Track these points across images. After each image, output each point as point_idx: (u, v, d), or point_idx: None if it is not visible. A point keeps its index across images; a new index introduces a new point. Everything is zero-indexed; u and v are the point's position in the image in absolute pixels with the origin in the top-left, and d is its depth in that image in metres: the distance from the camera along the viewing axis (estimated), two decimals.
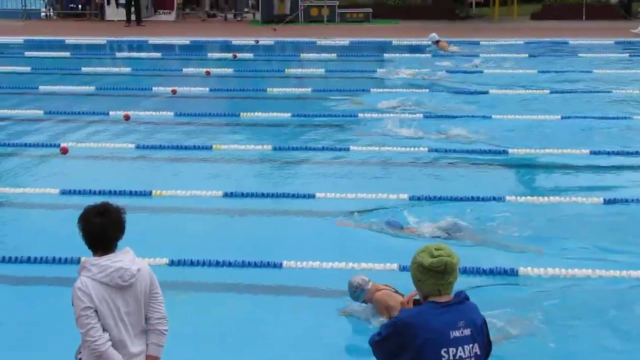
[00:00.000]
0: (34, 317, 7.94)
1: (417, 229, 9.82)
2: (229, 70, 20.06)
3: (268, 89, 17.94)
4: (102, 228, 5.07)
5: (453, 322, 4.55)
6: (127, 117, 14.89)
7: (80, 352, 5.18)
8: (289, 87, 18.26)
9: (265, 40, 24.16)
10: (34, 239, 9.89)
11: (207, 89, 18.09)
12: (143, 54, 23.33)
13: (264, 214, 10.67)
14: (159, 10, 29.38)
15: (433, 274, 4.54)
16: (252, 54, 22.28)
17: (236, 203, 11.01)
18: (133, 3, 27.68)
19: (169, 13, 29.25)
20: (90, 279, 5.01)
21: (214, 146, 13.44)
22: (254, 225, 10.41)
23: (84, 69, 20.52)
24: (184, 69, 20.35)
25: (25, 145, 13.82)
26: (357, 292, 7.64)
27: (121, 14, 28.30)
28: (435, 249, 4.61)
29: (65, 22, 28.83)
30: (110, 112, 15.78)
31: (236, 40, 24.19)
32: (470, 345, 4.57)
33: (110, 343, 5.02)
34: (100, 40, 24.98)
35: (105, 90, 18.09)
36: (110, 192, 11.11)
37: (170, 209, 10.85)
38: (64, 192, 11.25)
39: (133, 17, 27.73)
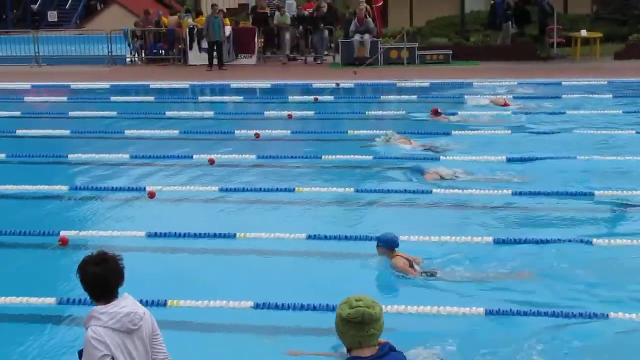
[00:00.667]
0: None
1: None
2: (310, 113, 20.22)
3: (349, 131, 18.01)
4: (104, 277, 5.17)
5: None
6: (211, 162, 15.12)
7: None
8: (369, 129, 18.31)
9: (346, 83, 24.32)
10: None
11: (289, 131, 18.24)
12: (225, 98, 23.72)
13: (347, 257, 10.65)
14: (240, 55, 29.84)
15: (352, 325, 4.46)
16: (332, 97, 22.42)
17: (319, 245, 11.02)
18: (215, 48, 28.19)
19: (250, 57, 29.68)
20: (103, 327, 5.10)
21: (296, 189, 13.52)
22: (337, 268, 10.40)
23: (168, 113, 20.93)
24: (265, 112, 20.58)
25: (112, 189, 14.12)
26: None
27: (203, 58, 28.84)
28: (355, 300, 4.54)
29: (149, 67, 29.50)
30: (194, 156, 16.03)
31: (317, 83, 24.39)
32: None
33: None
34: (184, 84, 25.47)
35: (188, 134, 18.39)
36: (194, 234, 11.26)
37: (254, 251, 10.91)
38: (149, 235, 11.43)
39: (215, 61, 28.23)
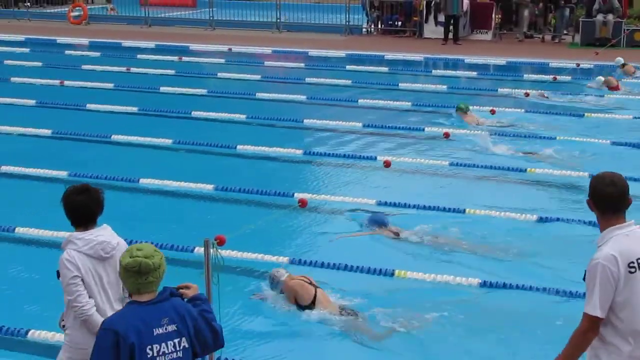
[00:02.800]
0: None
1: (395, 231, 10.45)
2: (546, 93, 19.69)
3: (586, 114, 17.42)
4: (85, 205, 5.61)
5: (156, 319, 4.72)
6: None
7: (64, 320, 5.68)
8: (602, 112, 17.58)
9: (585, 64, 23.47)
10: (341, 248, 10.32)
11: (523, 110, 17.86)
12: (459, 72, 23.55)
13: (574, 240, 10.32)
14: (475, 30, 29.47)
15: (131, 273, 4.74)
16: (570, 77, 21.73)
17: (549, 228, 10.79)
18: (452, 22, 28.01)
19: (486, 33, 29.24)
20: (76, 251, 5.54)
21: (528, 169, 13.26)
22: (565, 251, 10.13)
23: (401, 85, 21.05)
24: (499, 89, 20.25)
25: (344, 156, 14.43)
26: (274, 283, 8.50)
27: (439, 32, 28.71)
28: (136, 249, 4.81)
29: (384, 38, 29.72)
30: (426, 128, 16.06)
31: (554, 63, 23.70)
32: (177, 340, 4.75)
33: (95, 308, 5.54)
34: (418, 57, 25.51)
35: (421, 107, 18.42)
36: (424, 206, 11.32)
37: (482, 229, 10.81)
38: (380, 204, 11.61)
39: (450, 35, 28.06)
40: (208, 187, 12.44)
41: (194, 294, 5.06)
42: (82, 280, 5.53)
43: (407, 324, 8.11)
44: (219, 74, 22.32)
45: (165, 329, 4.74)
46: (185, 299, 4.99)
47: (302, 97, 19.36)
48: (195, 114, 17.46)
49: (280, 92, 20.01)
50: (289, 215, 11.26)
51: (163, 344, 4.73)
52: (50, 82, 20.90)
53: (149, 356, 4.68)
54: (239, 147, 14.73)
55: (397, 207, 11.48)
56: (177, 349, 4.77)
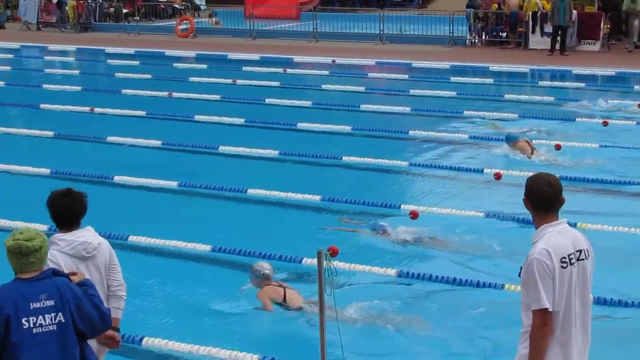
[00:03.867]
0: None
1: (392, 234, 10.84)
2: None
3: None
4: (68, 208, 5.90)
5: (35, 294, 5.09)
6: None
7: None
8: None
9: None
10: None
11: (634, 122, 17.40)
12: (566, 84, 23.12)
13: None
14: (583, 40, 28.89)
15: (13, 255, 5.15)
16: None
17: None
18: (560, 32, 27.53)
19: (594, 43, 28.64)
20: (59, 251, 5.85)
21: None
22: None
23: (507, 96, 20.78)
24: (608, 100, 19.77)
25: (451, 167, 14.32)
26: (254, 274, 8.88)
27: (545, 43, 28.24)
28: (19, 233, 5.18)
29: (488, 50, 29.41)
30: (534, 141, 15.79)
31: None
32: (53, 314, 5.10)
33: None
34: (523, 68, 25.15)
35: (527, 118, 18.14)
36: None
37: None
38: (488, 215, 11.49)
39: (557, 46, 27.59)
40: (315, 198, 12.52)
41: (81, 279, 5.45)
42: None
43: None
44: (323, 86, 22.46)
45: (43, 303, 5.11)
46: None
47: (407, 109, 19.31)
48: (300, 125, 17.60)
49: (384, 103, 20.02)
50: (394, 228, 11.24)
51: (40, 317, 5.10)
52: (159, 93, 21.38)
53: (24, 327, 5.06)
54: (344, 158, 14.79)
55: (505, 220, 11.33)
56: (53, 322, 5.13)
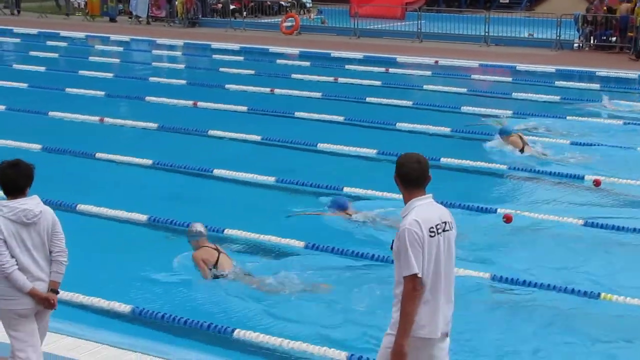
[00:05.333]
0: None
1: (352, 214, 11.63)
2: None
3: None
4: (14, 177, 6.28)
5: None
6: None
7: None
8: None
9: None
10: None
11: None
12: None
13: None
14: None
15: None
16: None
17: None
18: None
19: None
20: (2, 217, 6.22)
21: None
22: None
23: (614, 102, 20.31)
24: None
25: (550, 173, 14.10)
26: (190, 236, 9.80)
27: None
28: None
29: (596, 54, 28.76)
30: (638, 148, 15.42)
31: None
32: None
33: (16, 267, 6.22)
34: (632, 74, 24.48)
35: (631, 125, 17.69)
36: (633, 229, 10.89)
37: None
38: (587, 224, 11.28)
39: None
40: None
41: None
42: (5, 242, 6.23)
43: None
44: (425, 86, 22.34)
45: None
46: None
47: (508, 112, 19.05)
48: (399, 125, 17.56)
49: (486, 106, 19.78)
50: (490, 230, 11.13)
51: None
52: (262, 89, 21.63)
53: None
54: (443, 159, 14.70)
55: (605, 229, 11.11)
56: None
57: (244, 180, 13.61)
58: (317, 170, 14.32)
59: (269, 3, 39.75)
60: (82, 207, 11.92)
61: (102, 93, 20.80)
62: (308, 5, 41.72)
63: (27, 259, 6.28)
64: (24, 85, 21.71)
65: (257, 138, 16.27)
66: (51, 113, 18.22)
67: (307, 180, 13.32)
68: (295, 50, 29.26)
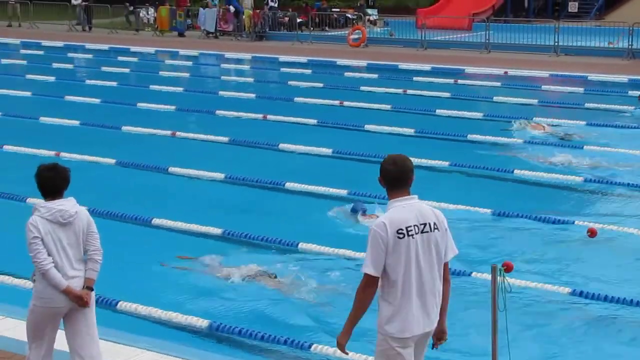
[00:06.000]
0: None
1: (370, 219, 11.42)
2: None
3: None
4: (52, 180, 6.55)
5: None
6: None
7: (34, 275, 6.59)
8: None
9: None
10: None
11: None
12: None
13: None
14: None
15: None
16: None
17: None
18: None
19: None
20: (39, 217, 6.49)
21: None
22: None
23: None
24: None
25: (629, 185, 13.82)
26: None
27: None
28: None
29: None
30: None
31: None
32: None
33: (53, 265, 6.42)
34: None
35: None
36: None
37: None
38: None
39: None
40: (486, 211, 12.34)
41: None
42: (42, 240, 6.44)
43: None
44: (495, 98, 22.13)
45: None
46: None
47: (581, 123, 18.75)
48: (471, 137, 17.40)
49: (558, 116, 19.51)
50: (570, 245, 10.94)
51: None
52: (331, 102, 21.65)
53: None
54: (517, 171, 14.51)
55: None
56: None
57: (317, 193, 13.58)
58: None
59: (335, 16, 39.84)
60: (157, 221, 12.01)
61: (173, 107, 21.02)
62: (374, 17, 41.70)
63: (62, 258, 6.51)
64: (97, 100, 22.06)
65: (328, 151, 16.24)
66: (124, 127, 18.45)
67: (379, 193, 13.20)
68: (362, 63, 29.26)
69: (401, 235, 5.59)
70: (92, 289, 6.61)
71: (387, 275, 5.63)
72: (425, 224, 5.69)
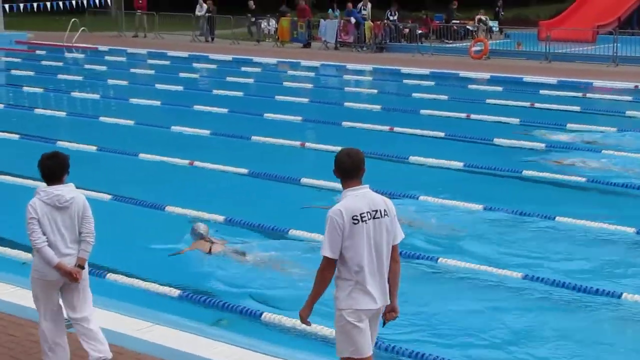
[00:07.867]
0: None
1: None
2: None
3: None
4: (51, 167, 7.23)
5: None
6: None
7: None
8: None
9: None
10: None
11: None
12: None
13: None
14: None
15: None
16: None
17: None
18: None
19: None
20: (39, 200, 7.19)
21: None
22: None
23: None
24: None
25: None
26: (193, 234, 11.19)
27: None
28: None
29: None
30: None
31: None
32: None
33: (46, 243, 7.14)
34: None
35: None
36: None
37: None
38: None
39: None
40: (629, 231, 12.04)
41: None
42: (39, 221, 7.14)
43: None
44: (627, 112, 21.56)
45: None
46: None
47: None
48: (605, 152, 16.98)
49: None
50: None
51: None
52: (456, 114, 21.47)
53: None
54: None
55: None
56: None
57: (451, 206, 13.45)
58: (523, 200, 13.93)
59: (455, 27, 39.55)
60: (294, 232, 12.08)
61: (300, 118, 21.17)
62: (495, 29, 41.22)
63: (56, 238, 7.21)
64: (224, 110, 22.41)
65: (459, 165, 16.08)
66: (254, 137, 18.66)
67: (513, 207, 13.02)
68: (486, 75, 28.94)
69: (356, 221, 6.16)
70: (83, 267, 7.33)
71: (344, 257, 6.20)
72: (376, 211, 6.25)
